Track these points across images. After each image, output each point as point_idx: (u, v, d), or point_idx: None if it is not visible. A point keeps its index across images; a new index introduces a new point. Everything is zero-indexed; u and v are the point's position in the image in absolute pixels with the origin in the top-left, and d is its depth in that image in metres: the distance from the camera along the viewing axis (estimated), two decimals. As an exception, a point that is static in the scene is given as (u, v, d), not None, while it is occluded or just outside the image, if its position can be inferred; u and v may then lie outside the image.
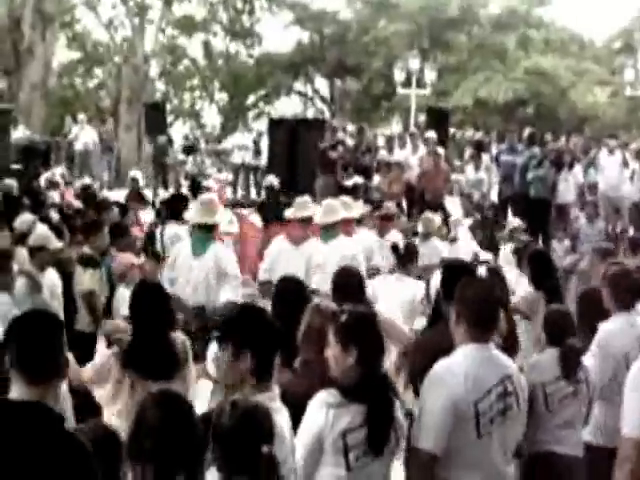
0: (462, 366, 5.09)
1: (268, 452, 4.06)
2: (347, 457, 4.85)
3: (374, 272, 11.22)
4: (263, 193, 17.82)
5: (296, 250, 10.78)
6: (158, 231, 12.41)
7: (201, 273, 10.10)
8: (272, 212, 14.13)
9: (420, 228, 13.46)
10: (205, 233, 10.25)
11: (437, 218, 14.06)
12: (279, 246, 11.05)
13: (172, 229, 12.11)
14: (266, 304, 6.67)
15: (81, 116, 30.39)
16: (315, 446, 4.84)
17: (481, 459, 5.09)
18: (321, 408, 4.85)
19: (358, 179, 18.36)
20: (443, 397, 4.99)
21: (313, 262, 10.56)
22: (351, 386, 4.90)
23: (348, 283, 7.07)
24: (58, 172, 19.69)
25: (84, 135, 28.42)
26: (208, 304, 9.96)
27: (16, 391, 3.86)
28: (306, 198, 11.58)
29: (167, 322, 6.39)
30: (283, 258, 10.76)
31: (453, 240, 14.19)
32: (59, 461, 3.66)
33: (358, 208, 12.93)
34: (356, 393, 4.88)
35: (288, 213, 11.23)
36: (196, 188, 18.72)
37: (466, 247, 13.97)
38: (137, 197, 16.18)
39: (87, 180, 19.40)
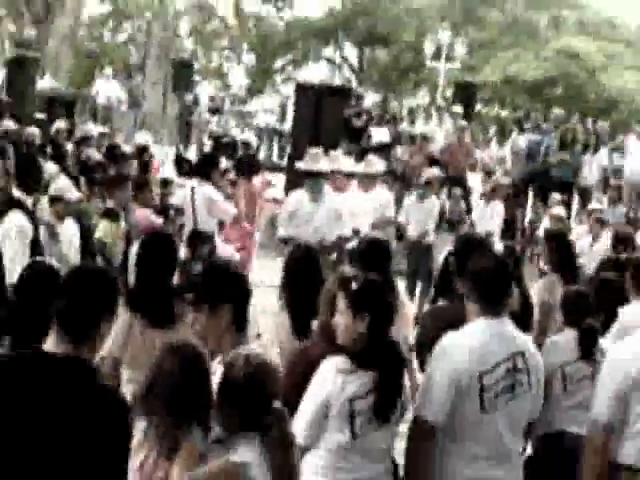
0: (469, 339, 5.10)
1: (280, 408, 4.06)
2: (353, 424, 4.90)
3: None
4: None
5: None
6: (188, 190, 12.08)
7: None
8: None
9: None
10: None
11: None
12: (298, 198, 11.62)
13: (205, 190, 11.75)
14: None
15: (108, 70, 30.35)
16: (321, 412, 4.88)
17: (486, 434, 5.08)
18: (330, 373, 4.89)
19: (384, 136, 18.33)
20: (446, 369, 5.00)
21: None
22: (362, 353, 4.93)
23: (374, 254, 7.00)
24: (96, 129, 19.43)
25: (108, 89, 28.38)
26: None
27: (50, 343, 3.84)
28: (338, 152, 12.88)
29: (170, 272, 6.39)
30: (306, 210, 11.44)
31: None
32: (93, 412, 3.72)
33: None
34: (367, 360, 4.91)
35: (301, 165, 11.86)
36: (219, 148, 18.67)
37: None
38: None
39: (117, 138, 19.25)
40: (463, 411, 5.02)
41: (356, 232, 11.37)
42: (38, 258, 7.08)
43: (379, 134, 18.64)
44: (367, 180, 12.85)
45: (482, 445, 5.07)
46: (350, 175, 12.75)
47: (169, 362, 4.13)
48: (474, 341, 5.07)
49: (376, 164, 13.43)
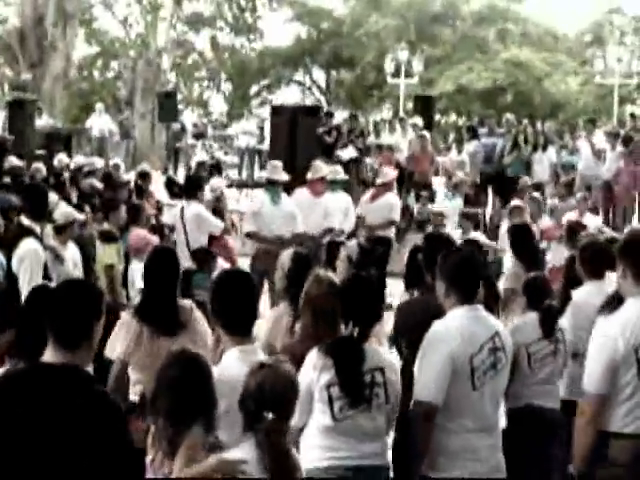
0: (457, 325, 5.17)
1: (271, 420, 4.05)
2: (332, 407, 5.06)
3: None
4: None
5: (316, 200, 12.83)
6: (178, 210, 12.12)
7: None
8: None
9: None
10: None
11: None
12: (302, 197, 12.85)
13: (193, 208, 11.79)
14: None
15: (99, 105, 30.32)
16: (307, 398, 4.98)
17: (475, 409, 5.16)
18: (309, 367, 5.09)
19: (353, 152, 18.42)
20: (442, 353, 5.07)
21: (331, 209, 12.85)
22: (327, 347, 5.11)
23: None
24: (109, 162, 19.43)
25: (101, 123, 28.37)
26: None
27: (48, 354, 3.86)
28: (320, 163, 13.61)
29: (174, 283, 6.42)
30: (306, 207, 12.57)
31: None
32: (90, 415, 3.71)
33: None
34: (329, 353, 5.07)
35: (309, 175, 13.06)
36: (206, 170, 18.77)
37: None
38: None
39: (112, 161, 19.26)
40: (456, 390, 5.09)
41: (341, 231, 13.09)
42: (42, 282, 7.10)
43: (347, 152, 18.72)
44: (330, 185, 13.44)
45: (471, 419, 5.15)
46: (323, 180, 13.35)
47: (170, 369, 4.13)
48: (461, 327, 5.16)
49: (339, 172, 13.99)
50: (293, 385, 4.21)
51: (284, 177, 12.63)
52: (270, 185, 12.57)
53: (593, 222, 13.58)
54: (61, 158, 17.68)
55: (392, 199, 14.44)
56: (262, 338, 6.22)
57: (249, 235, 12.48)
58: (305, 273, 6.38)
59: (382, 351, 5.41)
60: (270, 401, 4.07)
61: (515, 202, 13.42)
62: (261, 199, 12.66)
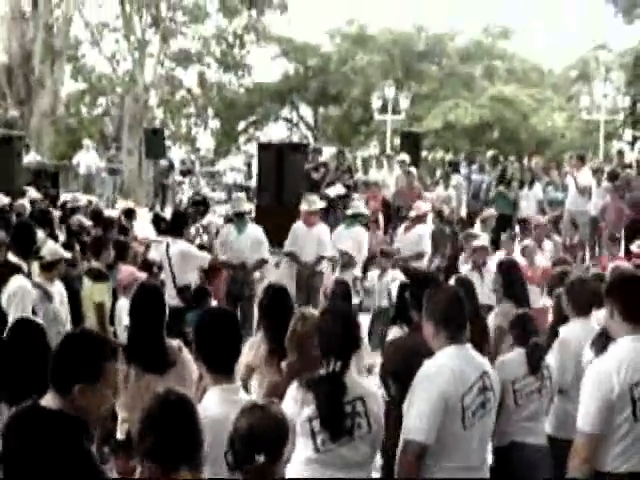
0: (448, 365, 5.17)
1: (262, 462, 4.05)
2: (315, 441, 5.06)
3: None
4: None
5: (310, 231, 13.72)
6: (163, 246, 12.12)
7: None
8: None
9: None
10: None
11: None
12: (297, 228, 13.82)
13: (178, 245, 11.79)
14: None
15: (86, 142, 30.36)
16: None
17: (464, 449, 5.16)
18: (290, 401, 5.09)
19: (340, 188, 18.50)
20: (434, 393, 5.06)
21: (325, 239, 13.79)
22: (307, 382, 5.13)
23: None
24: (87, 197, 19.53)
25: (88, 159, 28.41)
26: None
27: (49, 397, 3.94)
28: (314, 196, 14.52)
29: (161, 321, 6.42)
30: (301, 236, 13.70)
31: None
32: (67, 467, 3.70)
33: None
34: (310, 388, 5.08)
35: (304, 206, 13.81)
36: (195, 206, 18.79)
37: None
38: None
39: (94, 200, 19.35)
40: (447, 430, 5.08)
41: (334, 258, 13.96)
42: (25, 316, 7.12)
43: (334, 190, 18.76)
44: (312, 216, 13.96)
45: (460, 458, 5.15)
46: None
47: (156, 410, 4.12)
48: (452, 367, 5.15)
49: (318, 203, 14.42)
50: (284, 426, 4.22)
51: (247, 207, 13.85)
52: (236, 217, 13.41)
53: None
54: (31, 194, 17.66)
55: (421, 230, 14.94)
56: (242, 362, 6.31)
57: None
58: (279, 305, 6.59)
59: (361, 380, 5.39)
60: (261, 443, 4.08)
61: (478, 242, 13.05)
62: (228, 230, 13.52)
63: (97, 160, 28.72)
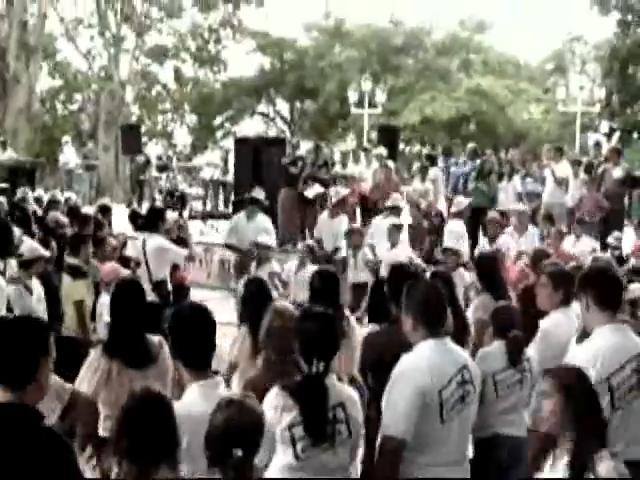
0: (425, 359, 5.13)
1: (239, 456, 4.04)
2: (295, 447, 4.97)
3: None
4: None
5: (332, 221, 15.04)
6: (140, 242, 12.09)
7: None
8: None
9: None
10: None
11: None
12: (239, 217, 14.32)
13: (154, 240, 11.75)
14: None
15: (65, 138, 30.25)
16: (269, 434, 4.82)
17: (444, 443, 5.13)
18: (270, 408, 4.94)
19: (319, 188, 18.43)
20: (412, 388, 5.02)
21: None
22: (290, 388, 5.03)
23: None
24: (65, 194, 19.42)
25: (67, 156, 28.31)
26: None
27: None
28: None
29: (142, 316, 6.40)
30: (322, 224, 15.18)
31: (393, 245, 14.09)
32: (37, 455, 3.69)
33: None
34: (294, 393, 4.99)
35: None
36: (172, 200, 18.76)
37: (404, 252, 13.97)
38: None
39: (73, 196, 19.27)
40: (425, 424, 5.05)
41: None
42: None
43: (312, 191, 18.69)
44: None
45: (440, 452, 5.12)
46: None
47: (132, 410, 4.10)
48: (430, 361, 5.11)
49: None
50: (260, 420, 4.20)
51: (262, 196, 14.38)
52: (250, 203, 14.20)
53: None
54: (24, 192, 17.59)
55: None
56: (227, 357, 6.27)
57: (228, 246, 14.62)
58: (257, 296, 6.71)
59: (340, 385, 5.33)
60: (238, 437, 4.06)
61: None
62: (238, 217, 14.38)
63: (75, 157, 28.61)
